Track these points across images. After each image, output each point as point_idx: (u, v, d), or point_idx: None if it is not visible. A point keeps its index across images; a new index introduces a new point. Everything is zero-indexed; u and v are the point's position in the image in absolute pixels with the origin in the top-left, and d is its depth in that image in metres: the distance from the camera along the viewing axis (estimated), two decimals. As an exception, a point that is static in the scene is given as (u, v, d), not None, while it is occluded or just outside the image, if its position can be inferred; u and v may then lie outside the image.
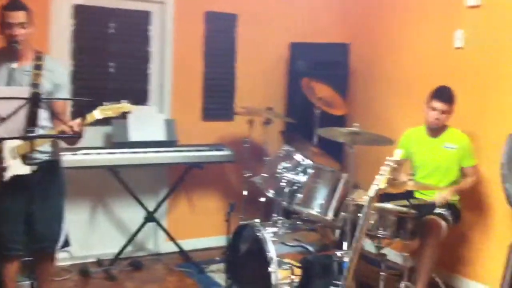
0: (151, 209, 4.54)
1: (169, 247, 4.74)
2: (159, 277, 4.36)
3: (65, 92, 3.23)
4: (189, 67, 4.85)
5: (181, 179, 4.61)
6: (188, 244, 4.79)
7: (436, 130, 3.95)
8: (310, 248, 3.26)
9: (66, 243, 4.17)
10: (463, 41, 4.25)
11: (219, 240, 4.74)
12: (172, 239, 4.66)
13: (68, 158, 3.71)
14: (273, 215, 3.63)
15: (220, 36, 4.92)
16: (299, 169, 3.71)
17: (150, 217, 4.51)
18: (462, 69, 4.27)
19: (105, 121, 3.60)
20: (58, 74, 3.21)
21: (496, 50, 4.01)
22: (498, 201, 3.82)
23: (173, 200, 4.86)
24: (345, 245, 3.56)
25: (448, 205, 3.82)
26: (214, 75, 4.94)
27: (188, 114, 4.85)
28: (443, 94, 3.85)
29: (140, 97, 4.68)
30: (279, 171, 3.62)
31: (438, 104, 3.84)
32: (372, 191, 2.52)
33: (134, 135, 4.34)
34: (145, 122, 4.41)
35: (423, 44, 4.63)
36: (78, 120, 3.02)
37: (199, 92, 4.91)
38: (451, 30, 4.33)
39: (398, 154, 2.59)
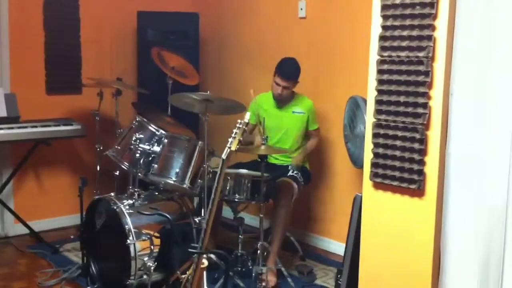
0: (-5, 190, 4.25)
1: (19, 229, 4.50)
2: (9, 260, 4.12)
3: None
4: (28, 37, 4.53)
5: (26, 157, 4.34)
6: (40, 225, 4.57)
7: (281, 101, 4.09)
8: (167, 215, 3.24)
9: None
10: (306, 11, 4.44)
11: (73, 219, 4.60)
12: (20, 220, 4.40)
13: None
14: (128, 187, 3.56)
15: (61, 4, 4.64)
16: (154, 139, 3.67)
17: (-6, 199, 4.23)
18: (307, 38, 4.46)
19: None
20: None
21: (336, 19, 4.24)
22: (343, 160, 4.09)
23: (19, 180, 4.57)
24: (203, 212, 3.62)
25: (299, 168, 4.02)
26: (56, 46, 4.66)
27: (30, 87, 4.55)
28: (286, 71, 3.95)
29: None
30: (133, 142, 3.55)
31: (280, 81, 3.96)
32: (224, 153, 2.59)
33: (-30, 112, 4.00)
34: (-18, 97, 4.08)
35: (271, 13, 4.75)
36: None
37: (41, 63, 4.61)
38: (295, 0, 4.49)
39: (247, 116, 2.67)
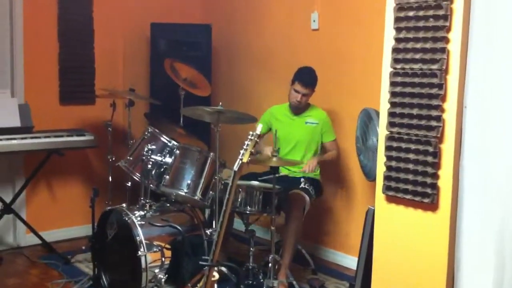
0: (8, 200, 4.26)
1: (31, 240, 4.50)
2: (21, 270, 4.12)
3: None
4: (43, 48, 4.57)
5: (39, 167, 4.36)
6: (51, 235, 4.57)
7: (299, 108, 4.10)
8: (178, 227, 3.23)
9: None
10: (319, 23, 4.43)
11: (84, 230, 4.58)
12: (33, 230, 4.41)
13: None
14: (140, 198, 3.56)
15: (75, 15, 4.67)
16: (166, 150, 3.67)
17: (7, 209, 4.24)
18: (319, 50, 4.44)
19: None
20: None
21: (349, 32, 4.23)
22: (356, 172, 4.06)
23: (31, 190, 4.58)
24: (214, 224, 3.60)
25: (311, 180, 4.00)
26: (70, 56, 4.68)
27: (44, 98, 4.57)
28: (305, 78, 3.99)
29: (-12, 82, 4.33)
30: (145, 153, 3.55)
31: (300, 88, 3.98)
32: (236, 165, 2.58)
33: (-15, 122, 4.02)
34: (-4, 107, 4.11)
35: (284, 25, 4.75)
36: None
37: (55, 74, 4.64)
38: (308, 12, 4.49)
39: (259, 128, 2.66)
